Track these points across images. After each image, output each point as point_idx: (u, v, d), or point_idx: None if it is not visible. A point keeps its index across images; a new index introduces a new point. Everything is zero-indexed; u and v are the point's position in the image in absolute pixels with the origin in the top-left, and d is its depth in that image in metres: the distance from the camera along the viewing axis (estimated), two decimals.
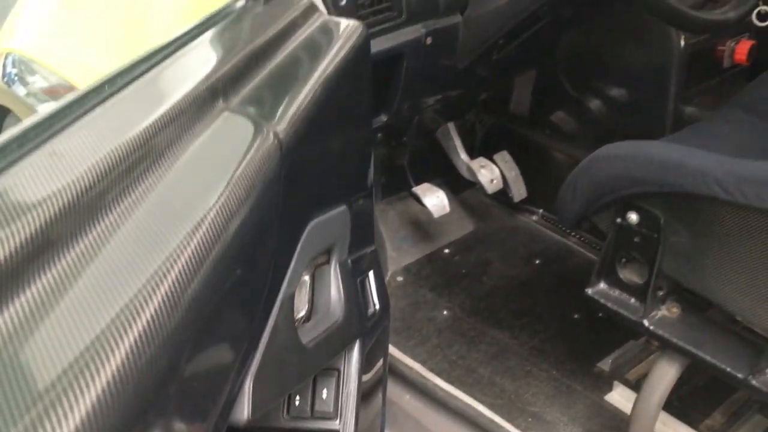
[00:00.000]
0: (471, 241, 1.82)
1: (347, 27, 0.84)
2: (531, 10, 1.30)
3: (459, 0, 1.37)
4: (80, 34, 1.48)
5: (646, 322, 1.09)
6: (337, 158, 0.81)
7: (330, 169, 0.79)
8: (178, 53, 0.67)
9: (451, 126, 1.75)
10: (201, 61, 0.67)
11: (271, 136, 0.61)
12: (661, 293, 1.10)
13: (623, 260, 1.13)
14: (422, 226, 1.81)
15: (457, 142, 1.75)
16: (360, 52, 0.84)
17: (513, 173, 1.80)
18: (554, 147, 1.82)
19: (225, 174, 0.57)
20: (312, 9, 0.85)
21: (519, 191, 1.80)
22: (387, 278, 1.68)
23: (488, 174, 1.72)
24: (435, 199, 1.66)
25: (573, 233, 1.78)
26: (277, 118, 0.64)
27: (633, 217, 1.07)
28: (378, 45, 1.28)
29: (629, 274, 1.13)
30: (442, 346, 1.49)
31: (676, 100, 1.57)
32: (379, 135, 1.57)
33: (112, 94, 0.59)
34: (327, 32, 0.84)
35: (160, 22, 1.40)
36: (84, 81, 1.40)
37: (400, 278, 1.68)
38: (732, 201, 0.91)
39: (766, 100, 1.31)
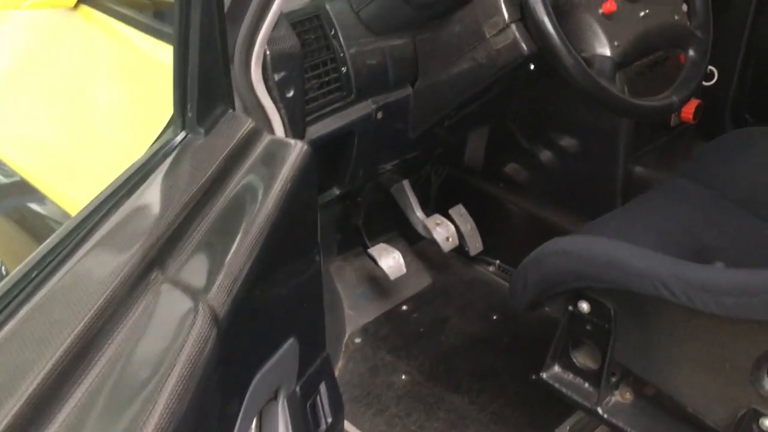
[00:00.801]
0: (429, 295, 1.82)
1: (292, 150, 0.83)
2: (482, 84, 1.30)
3: (409, 73, 1.36)
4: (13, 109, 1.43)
5: (599, 410, 1.10)
6: (284, 298, 0.80)
7: (276, 312, 0.78)
8: (114, 215, 0.65)
9: (405, 183, 1.74)
10: (138, 222, 0.65)
11: (207, 312, 0.60)
12: (614, 379, 1.11)
13: (577, 344, 1.14)
14: (380, 281, 1.80)
15: (412, 199, 1.75)
16: (305, 175, 0.83)
17: (468, 227, 1.81)
18: (508, 199, 1.83)
19: (161, 361, 0.55)
20: (256, 133, 0.84)
21: (475, 245, 1.81)
22: (344, 340, 1.68)
23: (443, 232, 1.72)
24: (391, 261, 1.65)
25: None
26: (214, 288, 0.62)
27: (584, 306, 1.08)
28: (328, 125, 1.27)
29: (583, 359, 1.14)
30: (401, 415, 1.48)
31: (626, 162, 1.59)
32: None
33: (46, 278, 0.57)
34: (271, 159, 0.82)
35: (96, 96, 1.35)
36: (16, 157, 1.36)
37: (357, 340, 1.67)
38: (678, 303, 0.92)
39: (711, 170, 1.33)
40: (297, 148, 0.83)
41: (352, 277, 1.79)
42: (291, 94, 1.11)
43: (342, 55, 1.25)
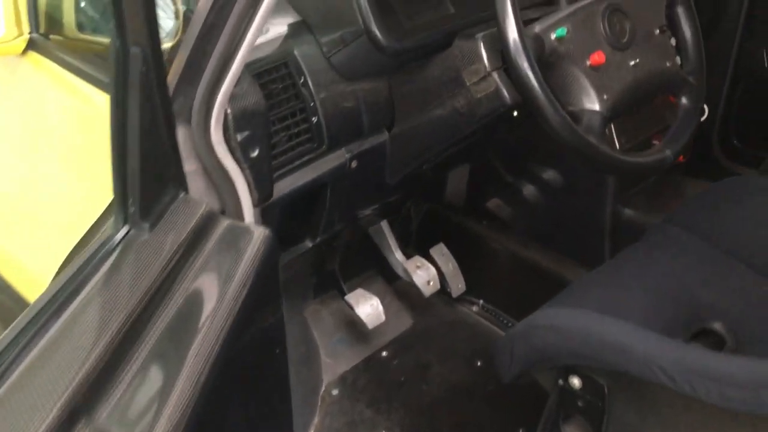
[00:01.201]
0: (410, 338, 1.73)
1: (252, 239, 0.74)
2: (463, 133, 1.22)
3: (385, 117, 1.28)
4: None
5: None
6: (247, 414, 0.71)
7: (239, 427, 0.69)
8: (35, 347, 0.55)
9: (384, 223, 1.66)
10: (62, 356, 0.56)
11: None
12: None
13: (568, 418, 1.06)
14: (358, 325, 1.71)
15: (391, 240, 1.66)
16: (267, 269, 0.74)
17: (450, 266, 1.73)
18: (491, 237, 1.75)
19: None
20: (211, 219, 0.75)
21: (457, 286, 1.73)
22: (321, 392, 1.59)
23: (424, 275, 1.63)
24: (369, 309, 1.57)
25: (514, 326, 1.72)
26: None
27: (575, 381, 1.01)
28: (298, 179, 1.18)
29: None
30: None
31: (614, 202, 1.52)
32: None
33: None
34: (228, 251, 0.73)
35: (43, 150, 1.25)
36: None
37: (335, 392, 1.58)
38: (680, 391, 0.84)
39: (705, 220, 1.26)
40: (257, 236, 0.74)
41: (329, 322, 1.70)
42: (256, 153, 1.02)
43: (312, 104, 1.16)
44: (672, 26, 1.16)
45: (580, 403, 1.01)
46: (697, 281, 1.17)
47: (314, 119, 1.16)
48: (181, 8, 1.22)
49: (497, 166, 1.74)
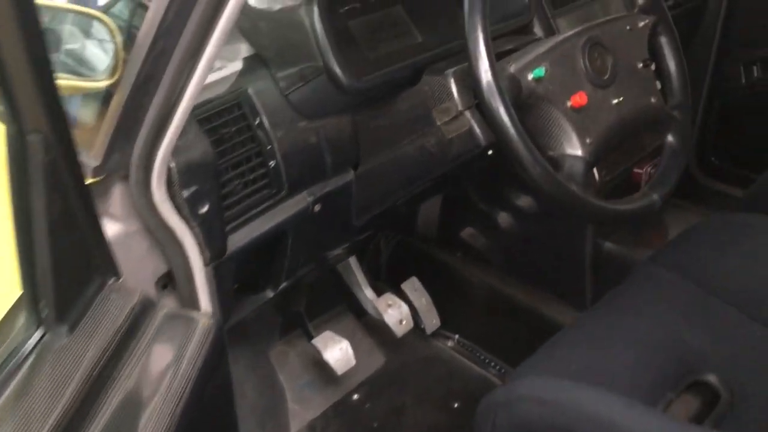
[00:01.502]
0: (382, 379, 1.64)
1: (195, 331, 0.64)
2: (434, 174, 1.12)
3: (349, 157, 1.18)
4: None
5: None
6: None
7: None
8: None
9: (352, 260, 1.56)
10: None
11: None
12: None
13: None
14: (327, 367, 1.61)
15: (360, 277, 1.57)
16: (213, 360, 0.64)
17: (423, 302, 1.64)
18: (466, 270, 1.67)
19: None
20: (146, 310, 0.65)
21: (431, 322, 1.64)
22: None
23: (396, 314, 1.54)
24: (338, 353, 1.47)
25: (493, 363, 1.64)
26: None
27: None
28: (255, 229, 1.08)
29: None
30: None
31: (594, 237, 1.44)
32: None
33: None
34: (167, 348, 0.63)
35: None
36: None
37: None
38: None
39: (691, 260, 1.18)
40: (202, 328, 0.64)
41: (296, 365, 1.60)
42: (206, 208, 0.92)
43: (269, 146, 1.06)
44: (655, 58, 1.08)
45: None
46: (687, 328, 1.09)
47: (272, 163, 1.06)
48: (120, 40, 1.11)
49: (471, 193, 1.65)
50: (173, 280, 0.97)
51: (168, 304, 0.98)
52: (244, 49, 1.14)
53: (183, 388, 0.59)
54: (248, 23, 1.07)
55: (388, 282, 1.70)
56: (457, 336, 1.70)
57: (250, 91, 1.06)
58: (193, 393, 0.60)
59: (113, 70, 1.05)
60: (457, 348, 1.70)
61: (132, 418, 0.58)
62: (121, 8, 1.18)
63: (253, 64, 1.11)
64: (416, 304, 1.62)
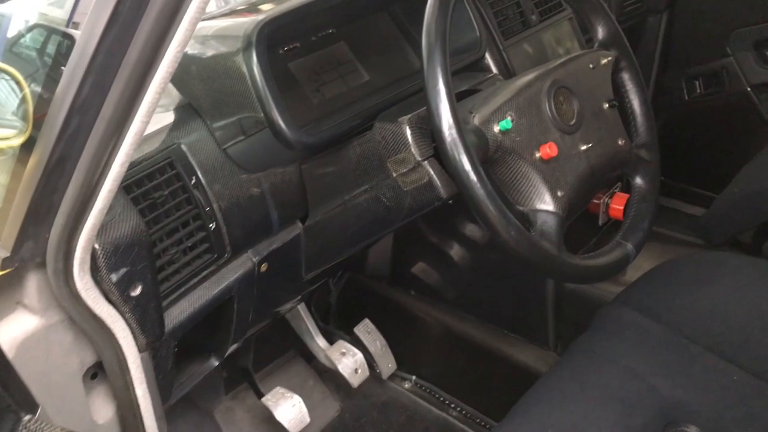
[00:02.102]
0: (338, 430, 1.54)
1: None
2: (389, 227, 1.03)
3: (297, 209, 1.08)
4: None
5: None
6: None
7: None
8: None
9: (301, 307, 1.46)
10: None
11: None
12: None
13: None
14: (279, 425, 1.51)
15: (311, 325, 1.47)
16: None
17: (378, 345, 1.55)
18: (421, 309, 1.59)
19: None
20: None
21: (387, 366, 1.56)
22: None
23: (350, 363, 1.45)
24: (290, 411, 1.37)
25: (453, 405, 1.56)
26: None
27: None
28: (196, 300, 0.97)
29: None
30: None
31: None
32: None
33: None
34: None
35: None
36: None
37: None
38: None
39: (659, 301, 1.13)
40: None
41: (245, 422, 1.49)
42: (138, 290, 0.81)
43: (208, 208, 0.95)
44: (618, 95, 1.03)
45: None
46: (663, 377, 1.04)
47: (212, 225, 0.96)
48: (30, 93, 0.97)
49: (422, 228, 1.57)
50: (104, 369, 0.86)
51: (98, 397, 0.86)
52: (175, 97, 1.03)
53: None
54: (179, 70, 0.96)
55: (339, 324, 1.61)
56: (414, 377, 1.61)
57: (184, 146, 0.95)
58: None
59: (26, 124, 0.93)
60: (415, 390, 1.61)
61: None
62: (34, 36, 1.06)
63: (185, 114, 1.00)
64: (371, 348, 1.53)
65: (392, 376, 1.62)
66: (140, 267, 0.80)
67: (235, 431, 1.45)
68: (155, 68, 0.60)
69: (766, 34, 1.73)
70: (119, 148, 0.63)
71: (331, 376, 1.62)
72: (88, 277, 0.75)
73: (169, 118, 0.98)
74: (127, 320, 0.80)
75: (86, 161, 0.64)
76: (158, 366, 0.91)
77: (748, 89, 1.79)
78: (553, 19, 1.36)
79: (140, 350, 0.83)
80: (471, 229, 1.52)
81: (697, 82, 1.90)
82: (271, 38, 0.92)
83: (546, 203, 0.86)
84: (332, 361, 1.45)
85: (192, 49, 0.98)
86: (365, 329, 1.54)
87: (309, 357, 1.61)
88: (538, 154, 0.86)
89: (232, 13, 1.07)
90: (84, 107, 0.61)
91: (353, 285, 1.64)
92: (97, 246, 0.75)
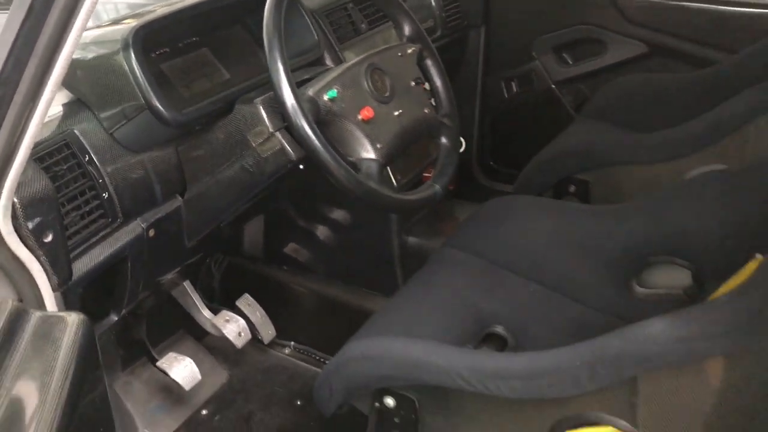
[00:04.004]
0: (228, 393, 1.75)
1: (66, 328, 0.75)
2: (254, 190, 1.28)
3: (176, 184, 1.31)
4: None
5: None
6: None
7: None
8: None
9: (187, 284, 1.67)
10: None
11: None
12: None
13: None
14: (174, 389, 1.70)
15: (197, 299, 1.68)
16: (86, 350, 0.75)
17: (258, 315, 1.78)
18: (294, 281, 1.84)
19: None
20: (20, 315, 0.75)
21: (268, 332, 1.78)
22: None
23: (234, 328, 1.67)
24: (183, 370, 1.57)
25: (327, 361, 1.80)
26: None
27: (390, 401, 1.11)
28: (97, 256, 1.18)
29: None
30: None
31: (399, 233, 1.67)
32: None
33: None
34: (44, 349, 0.73)
35: None
36: None
37: None
38: (476, 392, 0.98)
39: (476, 239, 1.44)
40: (72, 323, 0.76)
41: (143, 392, 1.67)
42: (50, 238, 1.01)
43: (101, 180, 1.16)
44: (425, 77, 1.34)
45: (396, 420, 1.12)
46: (477, 293, 1.34)
47: (105, 195, 1.17)
48: None
49: (290, 213, 1.83)
50: None
51: None
52: (62, 96, 1.24)
53: (63, 377, 0.70)
54: (68, 72, 1.17)
55: (222, 302, 1.82)
56: (292, 343, 1.85)
57: (77, 131, 1.16)
58: (73, 382, 0.71)
59: None
60: (294, 354, 1.85)
61: (20, 410, 0.68)
62: None
63: (75, 107, 1.21)
64: (251, 318, 1.75)
65: (273, 344, 1.85)
66: (51, 218, 1.00)
67: (132, 399, 1.62)
68: (61, 48, 0.83)
69: (562, 40, 2.14)
70: (35, 112, 0.85)
71: (218, 350, 1.83)
72: (10, 224, 0.94)
73: (57, 110, 1.19)
74: (41, 262, 1.00)
75: (9, 124, 0.85)
76: (68, 309, 1.10)
77: (553, 86, 2.19)
78: (380, 27, 1.68)
79: (53, 289, 1.03)
80: (330, 210, 1.79)
81: (513, 83, 2.28)
82: (145, 42, 1.15)
83: (369, 152, 1.15)
84: (218, 328, 1.66)
85: (76, 54, 1.20)
86: (246, 302, 1.77)
87: (198, 335, 1.81)
88: (359, 117, 1.15)
89: (100, 26, 1.29)
90: (7, 80, 0.83)
91: (233, 267, 1.87)
92: (15, 200, 0.95)
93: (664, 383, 0.88)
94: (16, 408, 0.66)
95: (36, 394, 0.69)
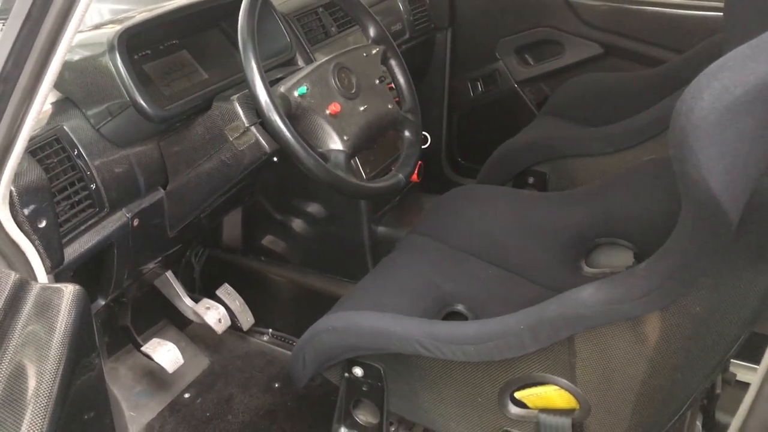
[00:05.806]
0: (209, 377, 1.85)
1: (64, 297, 0.85)
2: (232, 181, 1.38)
3: (158, 177, 1.41)
4: None
5: None
6: None
7: None
8: None
9: (169, 274, 1.76)
10: None
11: None
12: (393, 428, 1.26)
13: (357, 404, 1.27)
14: (157, 374, 1.79)
15: (178, 288, 1.77)
16: (83, 317, 0.85)
17: (237, 303, 1.88)
18: (271, 271, 1.94)
19: None
20: (23, 286, 0.84)
21: (246, 320, 1.88)
22: None
23: (215, 315, 1.77)
24: (166, 354, 1.66)
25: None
26: None
27: (358, 371, 1.22)
28: (85, 242, 1.27)
29: (364, 416, 1.27)
30: None
31: (369, 223, 1.78)
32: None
33: None
34: (44, 315, 0.83)
35: None
36: None
37: None
38: (434, 357, 1.09)
39: (439, 225, 1.55)
40: (69, 293, 0.85)
41: (128, 377, 1.76)
42: (44, 224, 1.11)
43: (89, 172, 1.26)
44: (390, 75, 1.45)
45: (364, 388, 1.23)
46: (439, 275, 1.44)
47: (93, 186, 1.27)
48: None
49: (266, 206, 1.93)
50: None
51: None
52: (50, 95, 1.33)
53: (61, 343, 0.80)
54: None
55: (202, 292, 1.92)
56: (270, 330, 1.95)
57: (66, 127, 1.25)
58: (71, 347, 0.80)
59: None
60: (272, 340, 1.95)
61: (24, 368, 0.77)
62: None
63: (63, 105, 1.30)
64: (231, 306, 1.85)
65: (252, 331, 1.95)
66: (44, 205, 1.10)
67: (118, 384, 1.71)
68: (56, 49, 0.93)
69: (523, 42, 2.26)
70: (32, 106, 0.95)
71: (200, 338, 1.93)
72: (7, 211, 1.04)
73: (47, 108, 1.28)
74: (36, 246, 1.09)
75: (8, 118, 0.95)
76: None
77: (515, 85, 2.31)
78: (349, 30, 1.79)
79: (47, 272, 1.12)
80: (304, 204, 1.90)
81: (478, 83, 2.40)
82: (128, 44, 1.25)
83: (336, 144, 1.25)
84: (199, 315, 1.75)
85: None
86: (225, 291, 1.87)
87: (180, 324, 1.91)
88: (327, 111, 1.26)
89: (82, 31, 1.38)
90: (7, 78, 0.93)
91: (212, 259, 1.96)
92: (13, 188, 1.05)
93: (597, 344, 0.99)
94: (17, 372, 0.76)
95: (39, 354, 0.78)
